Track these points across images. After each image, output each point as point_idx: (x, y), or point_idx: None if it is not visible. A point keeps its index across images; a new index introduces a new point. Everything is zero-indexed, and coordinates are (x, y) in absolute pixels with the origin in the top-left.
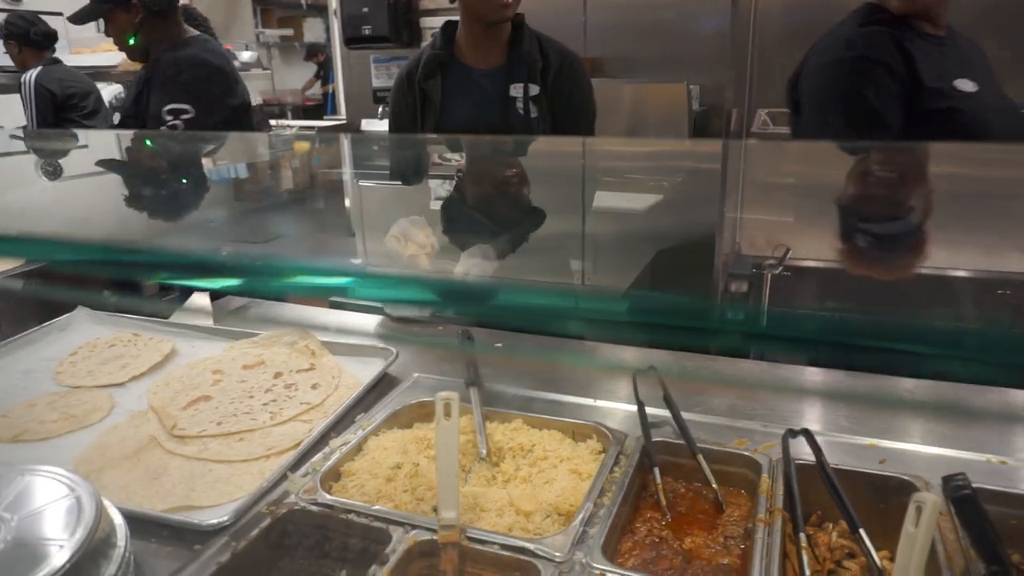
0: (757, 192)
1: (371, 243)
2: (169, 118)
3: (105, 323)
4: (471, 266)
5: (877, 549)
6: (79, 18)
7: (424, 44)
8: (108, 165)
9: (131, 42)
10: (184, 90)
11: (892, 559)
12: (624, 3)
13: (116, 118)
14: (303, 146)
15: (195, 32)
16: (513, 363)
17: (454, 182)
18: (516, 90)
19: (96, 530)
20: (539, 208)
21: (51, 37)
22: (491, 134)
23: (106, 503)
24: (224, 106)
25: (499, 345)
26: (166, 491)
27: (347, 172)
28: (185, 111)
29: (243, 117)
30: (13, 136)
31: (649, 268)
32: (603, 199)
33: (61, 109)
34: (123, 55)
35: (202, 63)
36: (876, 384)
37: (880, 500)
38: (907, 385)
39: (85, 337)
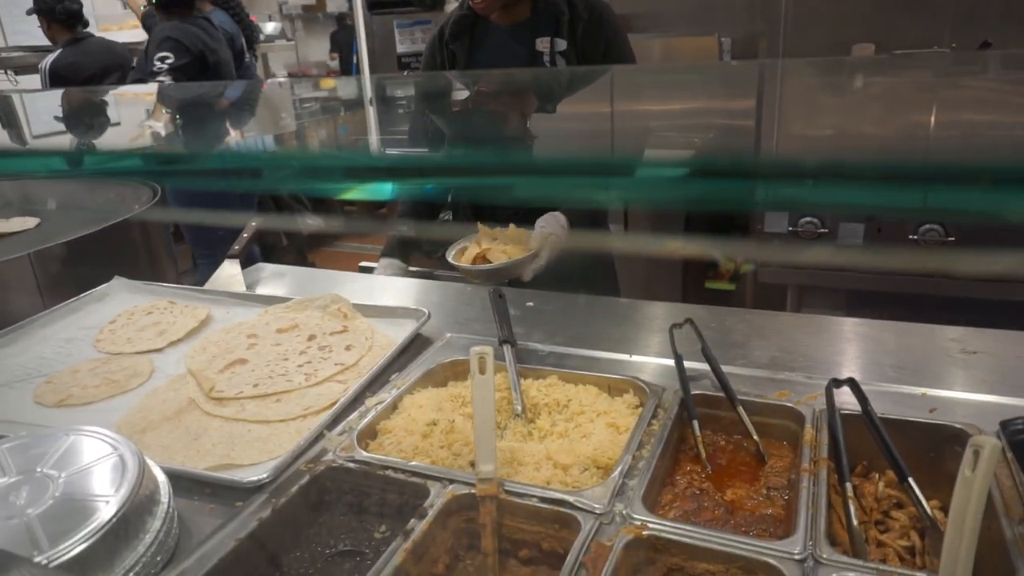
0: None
1: None
2: (156, 63)
3: (141, 292)
4: None
5: (927, 499)
6: None
7: (448, 7)
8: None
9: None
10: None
11: (942, 508)
12: None
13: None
14: (329, 83)
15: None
16: (546, 321)
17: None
18: (542, 44)
19: (140, 486)
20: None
21: (75, 16)
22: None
23: (148, 461)
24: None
25: (530, 304)
26: (207, 450)
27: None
28: (167, 57)
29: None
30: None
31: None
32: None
33: None
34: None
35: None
36: (922, 333)
37: (930, 449)
38: (953, 334)
39: (123, 305)
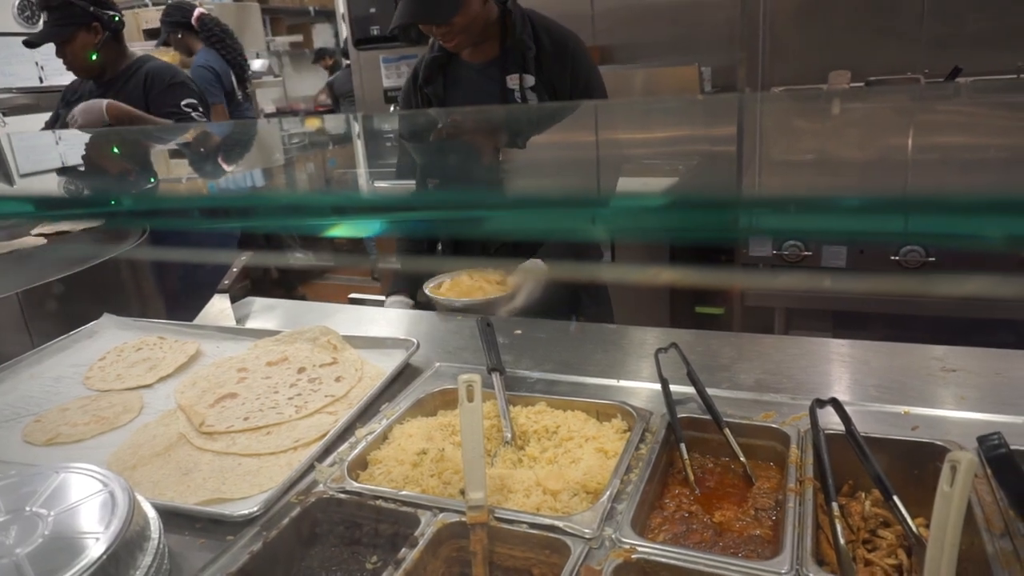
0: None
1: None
2: (188, 110)
3: (131, 328)
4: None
5: (912, 517)
6: (39, 40)
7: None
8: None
9: (93, 59)
10: (190, 90)
11: (928, 526)
12: None
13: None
14: (314, 122)
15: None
16: (534, 348)
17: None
18: (512, 81)
19: (130, 523)
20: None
21: None
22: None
23: (139, 497)
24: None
25: (518, 332)
26: (197, 485)
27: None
28: (197, 106)
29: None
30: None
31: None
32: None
33: None
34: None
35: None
36: (904, 352)
37: (914, 467)
38: (935, 353)
39: (112, 342)
